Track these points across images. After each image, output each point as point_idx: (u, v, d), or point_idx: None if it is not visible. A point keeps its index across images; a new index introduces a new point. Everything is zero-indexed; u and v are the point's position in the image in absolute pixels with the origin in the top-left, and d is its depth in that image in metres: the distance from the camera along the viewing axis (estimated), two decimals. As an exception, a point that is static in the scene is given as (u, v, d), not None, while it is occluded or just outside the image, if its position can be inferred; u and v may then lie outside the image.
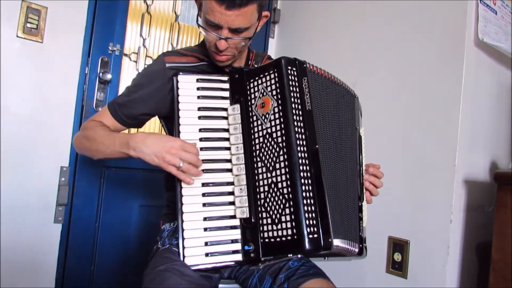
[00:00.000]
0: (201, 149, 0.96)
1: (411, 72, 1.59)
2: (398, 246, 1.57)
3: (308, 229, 0.83)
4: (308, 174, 0.88)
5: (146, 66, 1.16)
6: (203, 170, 0.95)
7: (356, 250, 0.96)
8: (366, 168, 1.09)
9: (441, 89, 1.50)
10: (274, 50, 2.27)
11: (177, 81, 0.99)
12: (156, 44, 1.91)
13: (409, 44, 1.61)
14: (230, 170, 0.96)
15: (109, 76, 1.70)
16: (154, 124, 1.94)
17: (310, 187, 0.87)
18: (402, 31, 1.64)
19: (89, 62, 1.68)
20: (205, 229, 0.92)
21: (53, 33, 1.58)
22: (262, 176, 0.90)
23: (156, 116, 1.15)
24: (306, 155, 0.89)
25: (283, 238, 0.85)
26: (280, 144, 0.89)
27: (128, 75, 1.81)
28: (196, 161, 0.92)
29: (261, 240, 0.88)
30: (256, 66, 1.16)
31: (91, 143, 1.04)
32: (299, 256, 0.88)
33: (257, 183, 0.91)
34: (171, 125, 1.09)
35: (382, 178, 1.10)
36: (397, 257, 1.57)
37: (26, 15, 1.51)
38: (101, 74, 1.69)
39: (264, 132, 0.92)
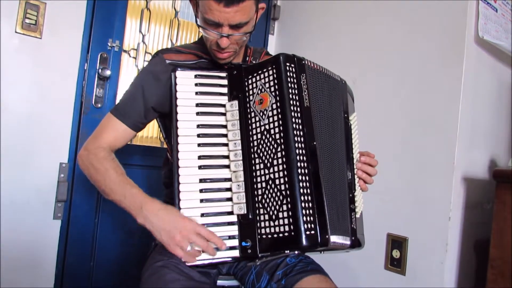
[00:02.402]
0: (199, 145, 0.96)
1: (411, 69, 1.59)
2: (396, 243, 1.57)
3: (305, 226, 0.83)
4: (306, 171, 0.87)
5: (145, 66, 1.14)
6: (200, 166, 0.95)
7: (348, 243, 0.96)
8: (358, 156, 1.08)
9: (441, 86, 1.50)
10: (273, 47, 2.27)
11: (175, 77, 0.98)
12: (156, 41, 1.91)
13: (409, 41, 1.61)
14: (227, 167, 0.95)
15: (108, 72, 1.69)
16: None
17: (308, 184, 0.87)
18: (402, 28, 1.64)
19: (88, 58, 1.68)
20: (203, 225, 0.91)
21: (52, 29, 1.57)
22: (260, 172, 0.90)
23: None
24: (304, 151, 0.88)
25: (280, 234, 0.85)
26: (278, 141, 0.89)
27: (127, 71, 1.81)
28: (206, 247, 0.90)
29: (259, 236, 0.88)
30: (254, 62, 1.16)
31: (99, 179, 1.01)
32: (296, 252, 0.88)
33: (254, 180, 0.91)
34: (169, 122, 1.09)
35: (377, 166, 1.09)
36: (396, 253, 1.57)
37: (24, 10, 1.51)
38: (100, 70, 1.69)
39: (262, 128, 0.92)
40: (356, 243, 0.98)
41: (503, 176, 1.36)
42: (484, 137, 1.59)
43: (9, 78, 1.49)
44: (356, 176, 1.06)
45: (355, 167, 1.06)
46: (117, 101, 1.13)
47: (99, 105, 1.70)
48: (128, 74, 1.81)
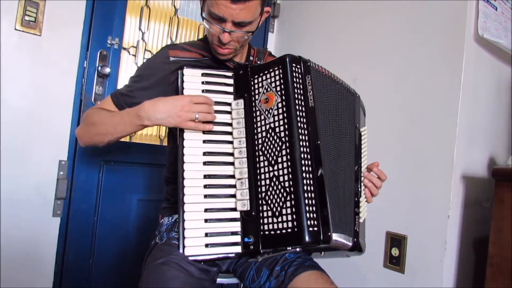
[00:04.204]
0: (204, 141, 0.97)
1: (411, 68, 1.59)
2: (395, 241, 1.58)
3: (309, 222, 0.84)
4: (310, 169, 0.89)
5: (149, 57, 1.17)
6: (205, 162, 0.96)
7: (350, 244, 0.97)
8: (370, 168, 1.10)
9: (441, 84, 1.50)
10: (273, 45, 2.27)
11: (183, 74, 1.00)
12: (155, 38, 1.91)
13: (409, 40, 1.61)
14: (232, 164, 0.97)
15: (107, 70, 1.69)
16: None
17: (311, 181, 0.88)
18: (402, 26, 1.64)
19: (87, 56, 1.67)
20: (206, 220, 0.93)
21: (52, 26, 1.57)
22: (264, 169, 0.91)
23: None
24: (308, 149, 0.90)
25: (283, 231, 0.86)
26: (283, 139, 0.90)
27: (127, 69, 1.81)
28: (209, 109, 0.95)
29: (261, 233, 0.89)
30: (259, 62, 1.18)
31: (98, 127, 1.04)
32: (297, 249, 0.88)
33: (258, 177, 0.92)
34: None
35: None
36: (395, 252, 1.57)
37: (24, 7, 1.50)
38: (99, 67, 1.68)
39: (267, 126, 0.93)
40: (357, 246, 1.00)
41: (502, 174, 1.36)
42: (484, 135, 1.60)
43: (8, 75, 1.48)
44: (362, 184, 1.08)
45: (362, 175, 1.08)
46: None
47: (99, 103, 1.69)
48: (127, 71, 1.80)
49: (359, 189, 1.06)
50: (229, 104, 1.00)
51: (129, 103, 1.09)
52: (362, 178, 1.08)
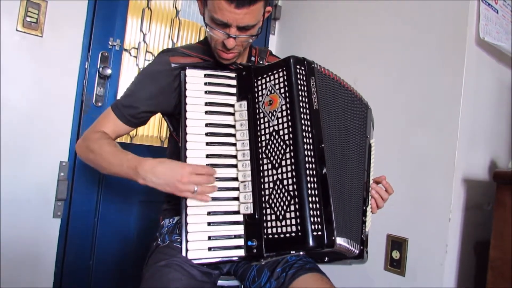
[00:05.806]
0: (207, 143, 0.96)
1: (412, 70, 1.60)
2: (396, 244, 1.58)
3: (313, 226, 0.83)
4: (314, 172, 0.88)
5: (149, 64, 1.13)
6: (207, 165, 0.95)
7: (357, 251, 0.97)
8: (378, 181, 1.10)
9: (442, 87, 1.50)
10: (274, 47, 2.27)
11: (185, 75, 0.98)
12: (157, 40, 1.90)
13: (410, 42, 1.62)
14: (235, 166, 0.96)
15: (109, 71, 1.69)
16: (154, 120, 1.93)
17: (315, 185, 0.87)
18: (404, 29, 1.64)
19: (89, 57, 1.67)
20: (209, 224, 0.92)
21: (53, 27, 1.57)
22: (268, 172, 0.91)
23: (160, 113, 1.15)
24: (312, 153, 0.89)
25: (287, 235, 0.85)
26: (287, 142, 0.89)
27: (128, 70, 1.81)
28: (209, 180, 0.91)
29: (265, 236, 0.89)
30: (261, 62, 1.17)
31: (96, 158, 1.02)
32: (301, 253, 0.88)
33: (262, 180, 0.91)
34: (176, 122, 1.09)
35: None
36: (396, 254, 1.57)
37: (26, 8, 1.50)
38: (101, 69, 1.68)
39: (271, 129, 0.92)
40: (362, 254, 1.00)
41: (503, 177, 1.37)
42: (485, 138, 1.60)
43: (9, 76, 1.48)
44: (370, 195, 1.08)
45: (370, 185, 1.08)
46: (118, 99, 1.14)
47: (100, 104, 1.70)
48: (128, 73, 1.80)
49: (367, 199, 1.05)
50: (232, 106, 0.99)
51: (134, 114, 1.08)
52: (370, 189, 1.08)
